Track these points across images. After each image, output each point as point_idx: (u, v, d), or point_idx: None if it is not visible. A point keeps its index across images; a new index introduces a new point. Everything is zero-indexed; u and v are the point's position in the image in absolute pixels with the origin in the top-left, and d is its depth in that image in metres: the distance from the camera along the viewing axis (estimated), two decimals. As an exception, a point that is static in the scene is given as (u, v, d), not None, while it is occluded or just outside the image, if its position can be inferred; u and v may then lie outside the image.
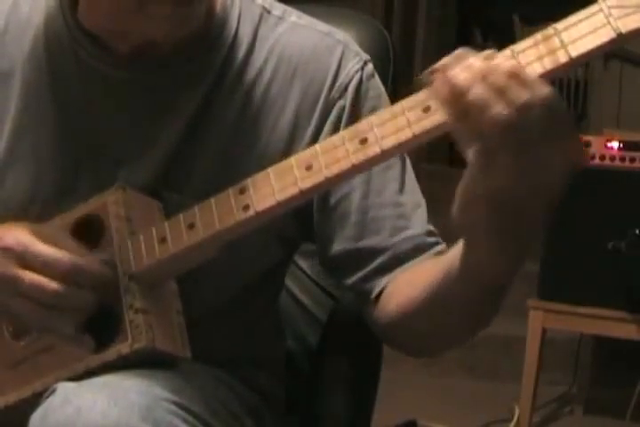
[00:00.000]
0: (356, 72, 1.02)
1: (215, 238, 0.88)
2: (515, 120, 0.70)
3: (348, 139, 0.81)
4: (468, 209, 0.76)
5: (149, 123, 1.00)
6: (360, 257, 0.99)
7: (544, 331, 2.69)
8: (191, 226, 0.89)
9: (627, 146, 2.62)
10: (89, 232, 0.95)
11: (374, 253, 0.99)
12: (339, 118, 1.00)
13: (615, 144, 2.62)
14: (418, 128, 0.78)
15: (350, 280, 1.01)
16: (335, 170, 0.81)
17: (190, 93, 1.00)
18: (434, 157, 5.35)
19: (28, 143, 1.02)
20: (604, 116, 4.35)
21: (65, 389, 0.84)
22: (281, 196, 0.84)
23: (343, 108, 1.00)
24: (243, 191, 0.86)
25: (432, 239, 1.00)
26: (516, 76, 0.71)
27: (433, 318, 0.91)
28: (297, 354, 1.23)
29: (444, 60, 0.74)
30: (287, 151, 0.99)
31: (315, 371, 1.22)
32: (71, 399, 0.82)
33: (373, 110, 1.00)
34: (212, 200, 0.88)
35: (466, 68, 0.72)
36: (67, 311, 0.89)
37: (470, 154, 0.73)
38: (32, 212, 1.01)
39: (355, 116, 1.00)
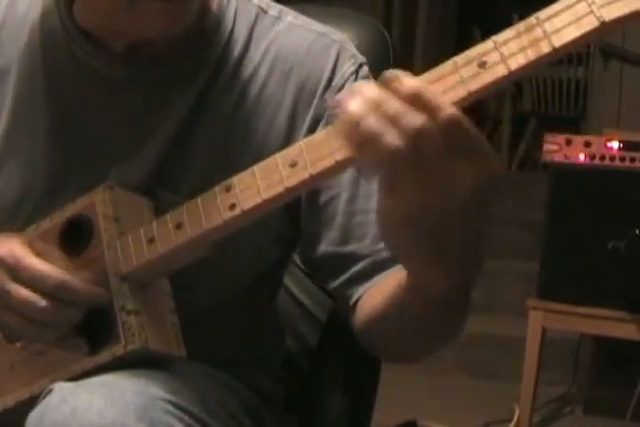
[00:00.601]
0: (351, 74, 1.02)
1: (203, 238, 0.87)
2: (407, 148, 0.68)
3: (333, 135, 0.81)
4: (389, 233, 0.75)
5: (144, 121, 1.00)
6: (342, 262, 0.99)
7: (544, 331, 2.69)
8: (179, 226, 0.88)
9: (627, 146, 2.62)
10: (79, 232, 0.95)
11: (355, 259, 0.99)
12: (332, 120, 1.00)
13: (615, 144, 2.62)
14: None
15: (332, 284, 1.01)
16: (320, 167, 0.81)
17: (185, 92, 1.00)
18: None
19: (23, 139, 1.02)
20: (603, 116, 4.35)
21: (62, 389, 0.84)
22: (267, 194, 0.83)
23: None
24: (229, 189, 0.86)
25: None
26: (415, 100, 0.69)
27: (392, 329, 0.91)
28: (296, 354, 1.23)
29: (346, 91, 0.72)
30: (282, 150, 0.99)
31: (314, 371, 1.22)
32: (68, 399, 0.82)
33: None
34: (199, 199, 0.88)
35: (361, 97, 0.70)
36: (53, 326, 0.90)
37: (373, 182, 0.73)
38: (25, 209, 1.01)
39: None
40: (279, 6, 1.05)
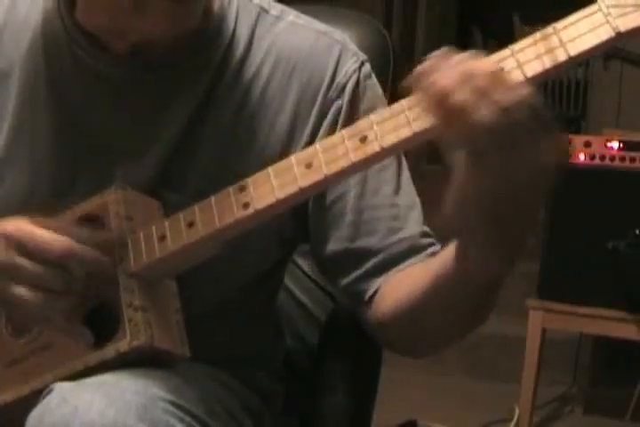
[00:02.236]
0: (354, 72, 1.02)
1: (214, 236, 0.88)
2: (499, 122, 0.70)
3: (348, 137, 0.81)
4: (460, 210, 0.76)
5: (147, 122, 1.00)
6: (354, 258, 1.00)
7: (544, 331, 2.69)
8: (191, 224, 0.89)
9: (627, 146, 2.62)
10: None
11: (368, 254, 0.99)
12: (336, 119, 1.01)
13: (615, 144, 2.62)
14: (417, 126, 0.78)
15: (344, 281, 1.01)
16: (335, 168, 0.81)
17: (188, 92, 1.00)
18: (434, 157, 5.35)
19: (27, 142, 1.02)
20: (604, 116, 4.35)
21: (62, 389, 0.84)
22: (280, 194, 0.84)
23: (340, 109, 1.01)
24: (243, 189, 0.86)
25: (426, 241, 1.01)
26: (497, 77, 0.71)
27: (427, 318, 0.92)
28: (297, 354, 1.23)
29: (428, 63, 0.74)
30: (285, 150, 0.99)
31: (314, 371, 1.22)
32: (68, 399, 0.82)
33: (370, 111, 1.00)
34: (212, 198, 0.88)
35: (447, 71, 0.72)
36: (62, 296, 0.90)
37: (456, 156, 0.74)
38: (30, 210, 1.01)
39: (352, 116, 1.00)
40: (280, 6, 1.05)
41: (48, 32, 1.02)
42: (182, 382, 0.90)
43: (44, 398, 0.85)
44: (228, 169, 0.99)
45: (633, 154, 2.60)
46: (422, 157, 5.05)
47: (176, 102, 1.00)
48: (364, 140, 0.81)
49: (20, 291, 0.89)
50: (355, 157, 0.81)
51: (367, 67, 1.04)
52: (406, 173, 1.03)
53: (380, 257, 0.99)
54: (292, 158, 0.84)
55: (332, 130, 1.00)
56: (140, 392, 0.83)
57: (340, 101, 1.01)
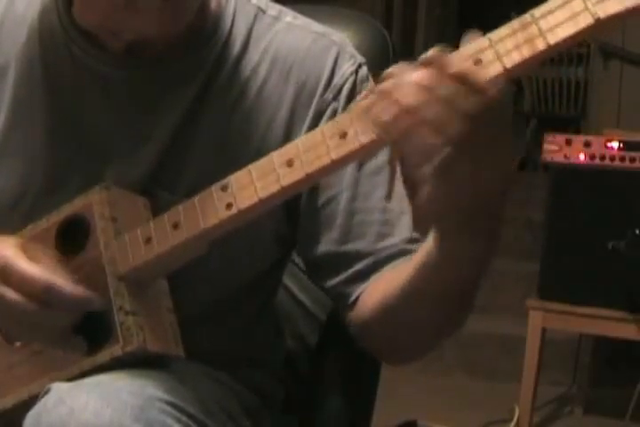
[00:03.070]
0: (351, 74, 1.02)
1: (200, 237, 0.88)
2: (469, 129, 0.68)
3: (329, 135, 0.80)
4: (441, 217, 0.76)
5: (142, 121, 1.00)
6: (342, 261, 0.99)
7: (544, 331, 2.69)
8: (175, 225, 0.88)
9: (627, 146, 2.62)
10: (75, 233, 0.95)
11: (356, 257, 0.99)
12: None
13: (615, 144, 2.62)
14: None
15: (328, 283, 1.01)
16: (315, 166, 0.81)
17: (183, 91, 0.99)
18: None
19: (20, 139, 1.02)
20: (603, 116, 4.35)
21: (59, 389, 0.84)
22: (263, 193, 0.83)
23: (336, 111, 1.00)
24: (225, 189, 0.86)
25: (414, 246, 1.00)
26: (463, 81, 0.69)
27: (405, 315, 0.91)
28: (296, 353, 1.23)
29: (386, 80, 0.70)
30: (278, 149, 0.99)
31: (314, 371, 1.22)
32: (65, 400, 0.82)
33: None
34: (196, 199, 0.88)
35: (409, 82, 0.69)
36: (45, 328, 0.90)
37: (423, 170, 0.71)
38: (22, 208, 1.01)
39: None
40: (278, 6, 1.05)
41: (45, 29, 1.02)
42: (179, 382, 0.90)
43: (41, 398, 0.85)
44: (223, 169, 0.98)
45: (633, 154, 2.60)
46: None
47: (171, 101, 0.99)
48: (343, 136, 0.79)
49: (4, 319, 0.90)
50: (335, 154, 0.80)
51: (364, 69, 1.03)
52: (399, 178, 1.03)
53: (366, 261, 0.98)
54: (273, 156, 0.84)
55: None
56: (137, 393, 0.83)
57: (336, 103, 1.01)
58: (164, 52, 1.00)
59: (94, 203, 0.94)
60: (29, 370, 0.94)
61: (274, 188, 0.83)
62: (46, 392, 0.85)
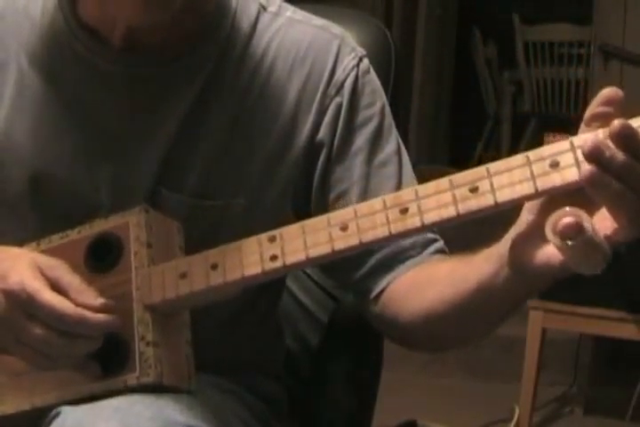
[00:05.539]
0: (352, 68, 1.02)
1: (238, 283, 0.86)
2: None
3: (389, 206, 0.79)
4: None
5: (145, 119, 0.99)
6: (358, 255, 0.98)
7: (544, 331, 2.69)
8: (214, 266, 0.86)
9: (627, 146, 2.61)
10: (107, 250, 0.92)
11: (372, 250, 0.98)
12: (336, 115, 1.00)
13: (615, 144, 2.62)
14: (463, 207, 0.76)
15: (350, 279, 1.00)
16: (371, 236, 0.79)
17: (186, 89, 0.99)
18: (434, 157, 5.34)
19: (22, 136, 1.01)
20: (603, 116, 4.34)
21: (75, 415, 0.83)
22: (313, 252, 0.82)
23: (340, 106, 1.00)
24: (272, 240, 0.84)
25: (430, 235, 1.00)
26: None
27: (460, 323, 0.91)
28: (297, 355, 1.23)
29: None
30: (286, 147, 0.99)
31: (315, 372, 1.21)
32: (84, 425, 0.80)
33: (369, 106, 1.02)
34: (240, 243, 0.86)
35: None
36: (67, 358, 0.87)
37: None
38: (25, 204, 1.00)
39: (352, 112, 1.01)
40: (278, 2, 1.06)
41: (47, 24, 1.02)
42: (194, 399, 0.88)
43: (52, 420, 0.83)
44: (228, 166, 0.98)
45: (633, 154, 2.60)
46: (422, 157, 5.05)
47: (174, 99, 0.99)
48: (404, 212, 0.79)
49: (25, 351, 0.87)
50: (394, 228, 0.79)
51: (365, 62, 1.04)
52: (408, 167, 1.03)
53: (383, 253, 0.98)
54: (327, 217, 0.82)
55: (333, 127, 1.00)
56: (156, 418, 0.81)
57: (339, 98, 1.01)
58: (167, 50, 0.99)
59: (132, 224, 0.92)
60: (36, 382, 0.92)
61: (325, 249, 0.81)
62: (57, 415, 0.83)
